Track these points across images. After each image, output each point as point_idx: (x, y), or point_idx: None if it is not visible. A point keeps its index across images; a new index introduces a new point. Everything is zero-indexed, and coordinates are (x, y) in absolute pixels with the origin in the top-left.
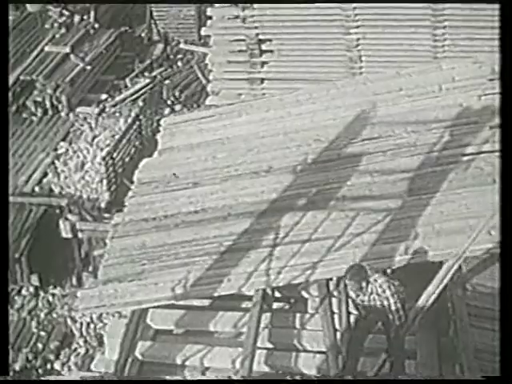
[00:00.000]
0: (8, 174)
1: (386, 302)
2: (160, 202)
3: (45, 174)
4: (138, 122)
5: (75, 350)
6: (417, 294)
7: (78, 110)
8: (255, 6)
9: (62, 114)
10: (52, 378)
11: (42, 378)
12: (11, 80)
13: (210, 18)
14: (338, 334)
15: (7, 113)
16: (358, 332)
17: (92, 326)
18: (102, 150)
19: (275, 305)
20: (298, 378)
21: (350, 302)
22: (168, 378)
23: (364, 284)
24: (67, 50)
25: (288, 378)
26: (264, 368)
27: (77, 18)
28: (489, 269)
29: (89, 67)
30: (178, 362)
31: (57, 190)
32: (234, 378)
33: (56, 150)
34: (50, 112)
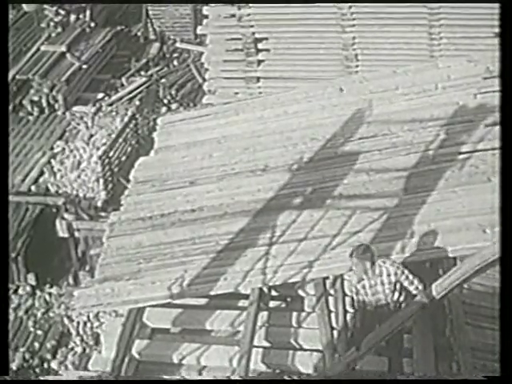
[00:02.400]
0: (8, 173)
1: (388, 288)
2: (156, 200)
3: (41, 173)
4: (134, 121)
5: (72, 348)
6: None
7: (75, 108)
8: (251, 4)
9: (59, 112)
10: (51, 377)
11: (41, 378)
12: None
13: (206, 16)
14: (335, 333)
15: (7, 112)
16: (362, 330)
17: (89, 324)
18: (98, 149)
19: (272, 303)
20: (296, 377)
21: (348, 289)
22: (165, 377)
23: (369, 265)
24: (63, 49)
25: (286, 377)
26: (261, 366)
27: (73, 17)
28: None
29: (85, 66)
30: (175, 360)
31: (53, 189)
32: (232, 378)
33: (52, 149)
34: (47, 111)
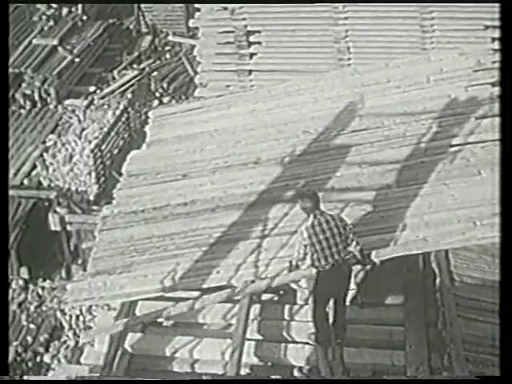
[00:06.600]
0: (8, 168)
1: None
2: (149, 194)
3: (33, 167)
4: (126, 115)
5: (65, 342)
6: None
7: (67, 102)
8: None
9: (51, 106)
10: (50, 378)
11: (41, 378)
12: None
13: (198, 9)
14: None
15: (7, 107)
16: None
17: (81, 318)
18: (90, 142)
19: (264, 296)
20: (288, 370)
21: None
22: (159, 376)
23: (313, 206)
24: (55, 42)
25: (279, 375)
26: (253, 359)
27: (65, 11)
28: (476, 259)
29: (77, 59)
30: (168, 354)
31: (45, 183)
32: (229, 375)
33: (44, 142)
34: (39, 105)
